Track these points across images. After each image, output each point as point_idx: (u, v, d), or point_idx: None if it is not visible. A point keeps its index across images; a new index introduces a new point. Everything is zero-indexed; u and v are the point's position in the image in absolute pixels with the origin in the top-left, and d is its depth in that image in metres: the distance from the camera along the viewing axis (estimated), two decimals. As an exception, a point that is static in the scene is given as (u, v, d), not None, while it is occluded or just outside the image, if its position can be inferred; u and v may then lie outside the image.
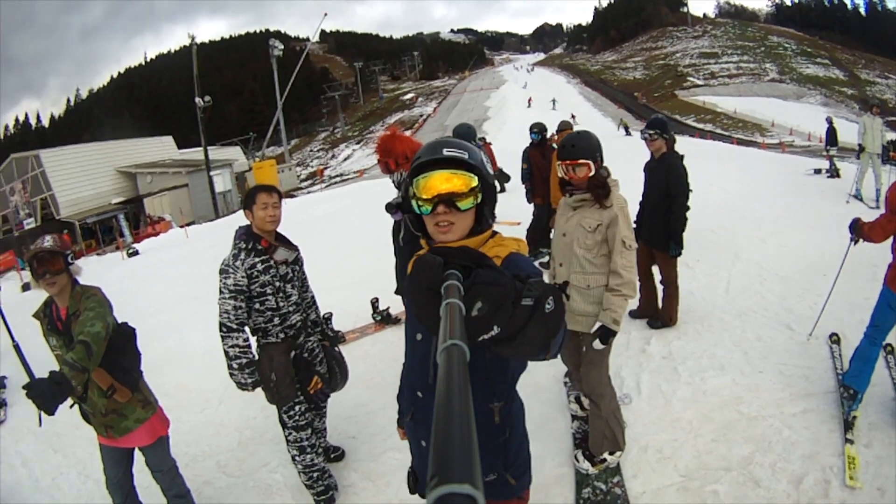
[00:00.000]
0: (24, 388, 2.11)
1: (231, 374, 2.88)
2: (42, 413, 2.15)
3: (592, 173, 2.89)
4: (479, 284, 0.92)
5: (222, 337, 2.82)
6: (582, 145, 2.91)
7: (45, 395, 2.08)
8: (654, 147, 4.52)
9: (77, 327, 2.46)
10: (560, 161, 2.95)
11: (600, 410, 3.01)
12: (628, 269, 2.85)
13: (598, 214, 2.90)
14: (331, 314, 5.34)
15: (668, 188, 4.36)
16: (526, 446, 1.73)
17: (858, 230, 3.44)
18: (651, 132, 4.48)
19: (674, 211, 4.32)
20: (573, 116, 31.91)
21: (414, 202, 1.51)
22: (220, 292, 2.80)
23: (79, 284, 2.67)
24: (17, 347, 2.70)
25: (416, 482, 1.79)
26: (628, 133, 28.34)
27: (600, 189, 2.88)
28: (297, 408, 3.02)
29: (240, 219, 3.00)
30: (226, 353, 2.84)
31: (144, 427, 2.77)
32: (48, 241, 2.58)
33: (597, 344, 2.90)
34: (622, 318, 2.88)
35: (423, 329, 1.60)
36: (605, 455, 3.07)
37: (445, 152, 1.47)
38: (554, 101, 37.71)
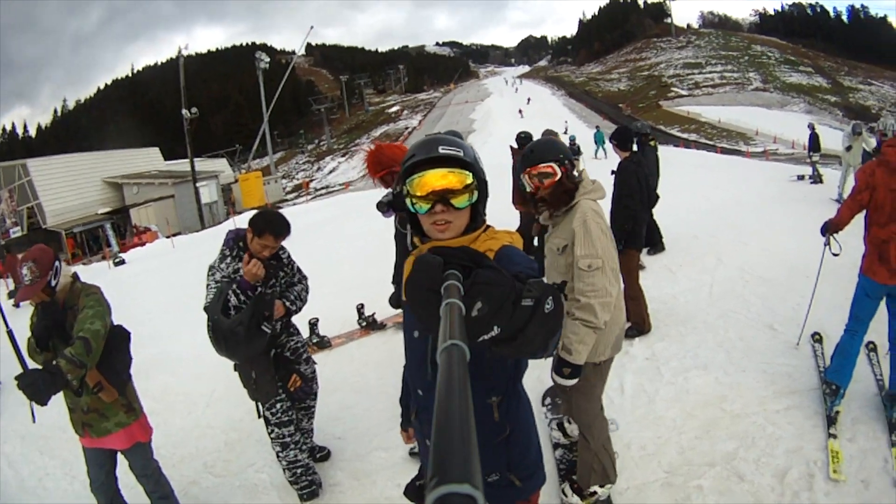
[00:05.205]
0: (16, 378, 2.17)
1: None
2: (34, 405, 2.20)
3: (559, 177, 2.58)
4: (479, 284, 0.92)
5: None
6: (543, 149, 2.65)
7: (38, 384, 2.15)
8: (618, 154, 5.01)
9: (77, 325, 2.51)
10: (524, 170, 2.65)
11: (589, 443, 2.76)
12: (588, 295, 2.42)
13: (563, 233, 2.59)
14: (317, 319, 5.42)
15: (619, 192, 4.73)
16: (534, 446, 1.66)
17: (827, 227, 3.55)
18: (612, 142, 5.08)
19: (617, 210, 4.68)
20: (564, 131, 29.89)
21: (408, 201, 1.47)
22: (209, 287, 2.84)
23: (79, 282, 2.74)
24: (10, 334, 2.67)
25: (416, 492, 1.73)
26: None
27: (562, 196, 2.59)
28: (278, 405, 3.06)
29: (225, 230, 3.07)
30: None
31: (124, 431, 2.77)
32: (26, 276, 2.55)
33: (554, 377, 2.56)
34: (583, 348, 2.44)
35: (421, 326, 1.55)
36: (595, 488, 2.84)
37: (441, 150, 1.43)
38: (566, 124, 37.23)
